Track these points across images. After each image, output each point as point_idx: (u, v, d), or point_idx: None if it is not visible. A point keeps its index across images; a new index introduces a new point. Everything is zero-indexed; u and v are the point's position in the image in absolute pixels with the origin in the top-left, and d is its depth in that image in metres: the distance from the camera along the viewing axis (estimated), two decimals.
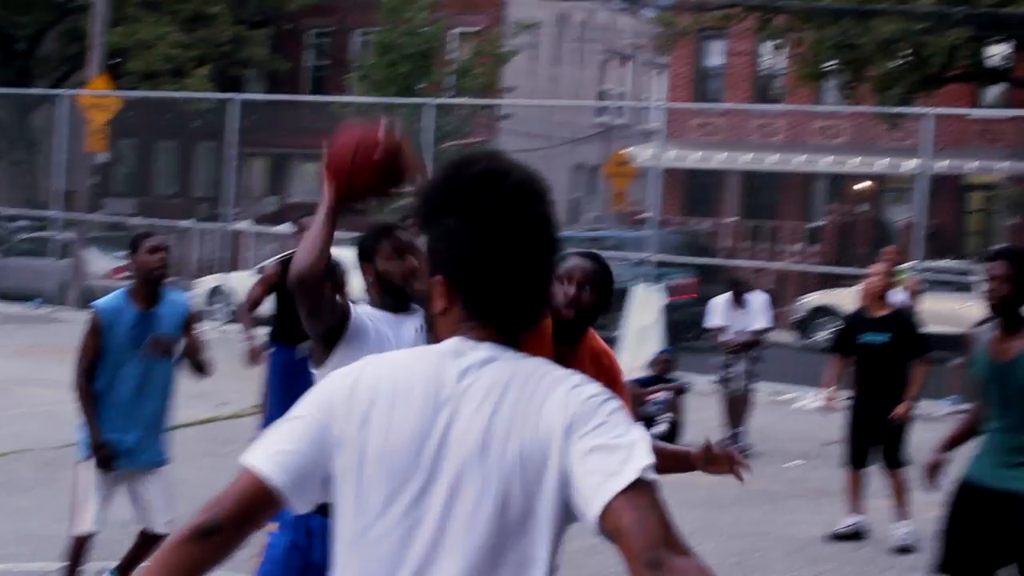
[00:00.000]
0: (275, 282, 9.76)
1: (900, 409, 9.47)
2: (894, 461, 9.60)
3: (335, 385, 2.32)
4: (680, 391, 13.42)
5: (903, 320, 9.85)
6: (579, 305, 4.42)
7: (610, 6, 42.59)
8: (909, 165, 27.52)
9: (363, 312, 4.67)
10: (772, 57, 34.61)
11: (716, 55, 36.43)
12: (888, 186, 34.64)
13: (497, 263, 2.27)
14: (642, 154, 28.12)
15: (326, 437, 2.26)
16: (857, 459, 9.72)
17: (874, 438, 9.63)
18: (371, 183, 3.99)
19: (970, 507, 6.00)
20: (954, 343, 21.04)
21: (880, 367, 9.55)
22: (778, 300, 20.92)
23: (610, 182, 24.79)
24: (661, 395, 13.20)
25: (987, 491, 5.92)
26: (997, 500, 5.88)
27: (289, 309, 6.35)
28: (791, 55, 28.80)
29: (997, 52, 28.33)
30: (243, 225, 26.17)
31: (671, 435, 12.68)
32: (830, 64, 25.68)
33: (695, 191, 36.23)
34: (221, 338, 17.28)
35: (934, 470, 6.33)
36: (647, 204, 22.84)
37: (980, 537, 5.96)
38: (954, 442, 6.37)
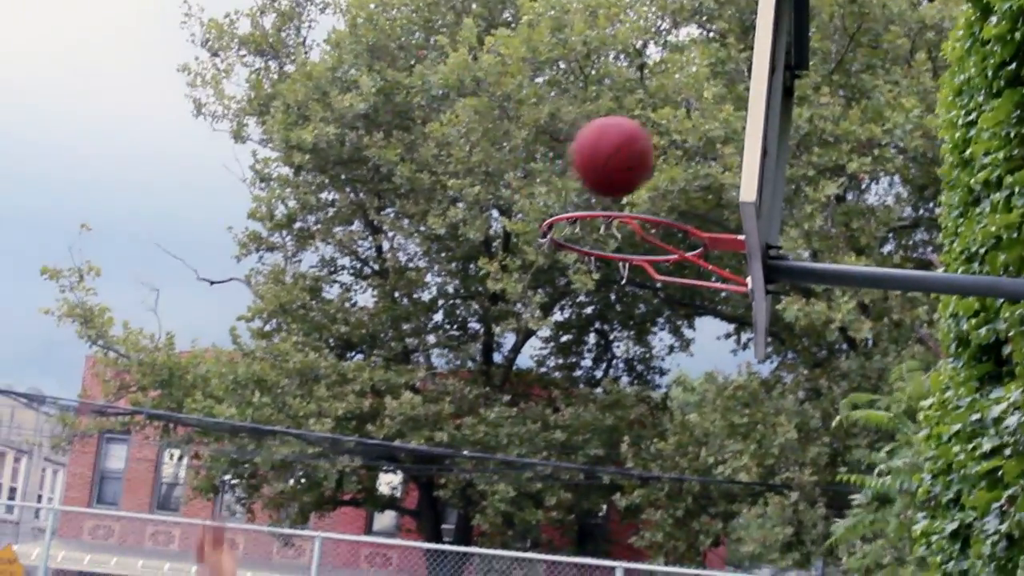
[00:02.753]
0: None
1: None
2: None
3: None
4: None
5: None
6: None
7: (10, 399, 41.42)
8: None
9: None
10: (173, 465, 34.60)
11: (117, 458, 36.00)
12: None
13: None
14: (31, 552, 27.15)
15: None
16: None
17: None
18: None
19: None
20: None
21: None
22: None
23: None
24: None
25: None
26: None
27: None
28: (191, 465, 28.95)
29: (388, 480, 29.75)
30: None
31: None
32: (226, 478, 26.02)
33: None
34: None
35: None
36: None
37: None
38: None
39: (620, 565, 16.63)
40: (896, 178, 22.76)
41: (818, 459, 20.92)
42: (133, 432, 28.18)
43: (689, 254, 7.20)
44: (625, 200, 19.91)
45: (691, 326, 28.17)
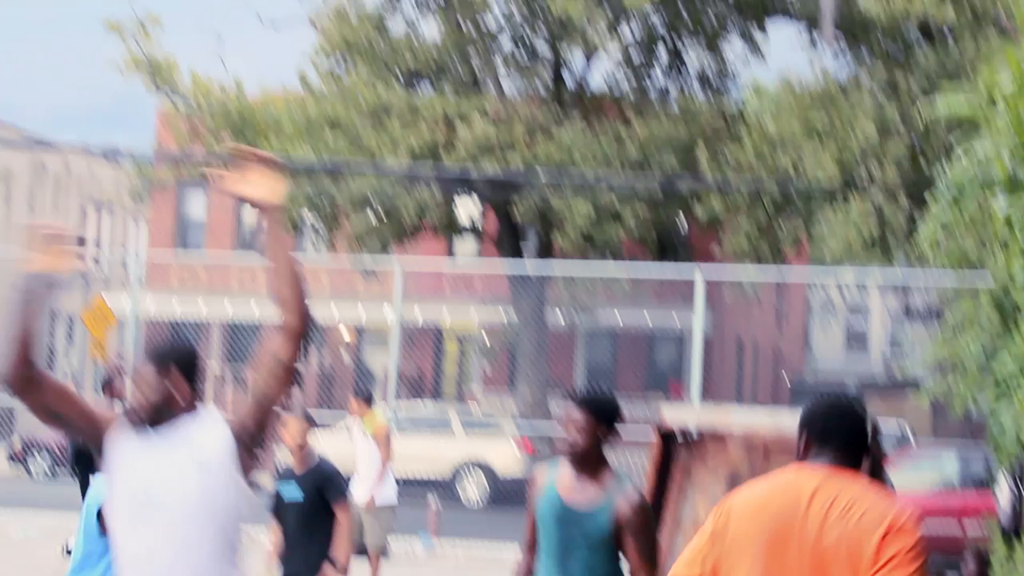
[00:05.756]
0: None
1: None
2: None
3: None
4: None
5: (322, 474, 8.46)
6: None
7: (87, 155, 41.82)
8: (387, 313, 28.46)
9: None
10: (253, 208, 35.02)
11: (197, 206, 36.47)
12: (369, 333, 35.60)
13: None
14: (121, 302, 27.66)
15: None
16: None
17: None
18: None
19: None
20: (428, 483, 21.69)
21: (298, 524, 8.38)
22: None
23: (88, 330, 24.21)
24: None
25: None
26: None
27: None
28: None
29: (467, 208, 29.94)
30: None
31: None
32: (305, 216, 26.26)
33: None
34: None
35: None
36: (126, 353, 22.39)
37: None
38: None
39: (697, 265, 16.83)
40: None
41: (898, 155, 20.78)
42: (210, 178, 28.40)
43: None
44: None
45: (762, 28, 27.49)
